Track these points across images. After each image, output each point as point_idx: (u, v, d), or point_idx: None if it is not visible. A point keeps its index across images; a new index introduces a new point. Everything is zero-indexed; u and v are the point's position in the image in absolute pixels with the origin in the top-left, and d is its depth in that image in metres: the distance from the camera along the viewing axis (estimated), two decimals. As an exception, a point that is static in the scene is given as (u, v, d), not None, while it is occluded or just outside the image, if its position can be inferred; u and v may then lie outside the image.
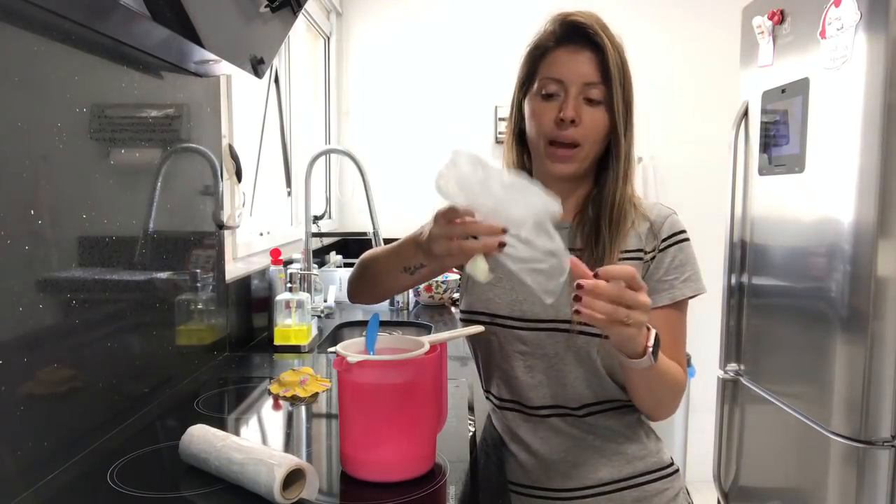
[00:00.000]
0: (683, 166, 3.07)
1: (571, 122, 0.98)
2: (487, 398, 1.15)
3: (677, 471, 1.09)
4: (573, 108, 0.98)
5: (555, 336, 1.02)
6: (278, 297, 1.73)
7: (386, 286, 1.08)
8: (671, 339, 0.98)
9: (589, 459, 1.04)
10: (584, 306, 0.78)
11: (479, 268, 0.82)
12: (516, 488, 1.08)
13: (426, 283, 2.38)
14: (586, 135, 0.99)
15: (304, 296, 1.74)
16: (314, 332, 1.81)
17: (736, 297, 2.07)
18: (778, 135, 1.85)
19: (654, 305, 0.98)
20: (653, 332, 0.85)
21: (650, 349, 0.84)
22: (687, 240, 1.04)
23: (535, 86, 1.02)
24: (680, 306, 1.02)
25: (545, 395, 1.05)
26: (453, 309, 2.34)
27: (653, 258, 1.02)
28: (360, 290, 1.12)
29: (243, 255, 1.86)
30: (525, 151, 1.10)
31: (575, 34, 1.00)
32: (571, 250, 1.02)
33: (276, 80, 2.32)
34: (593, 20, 1.00)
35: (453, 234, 0.83)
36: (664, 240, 1.02)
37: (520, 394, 1.06)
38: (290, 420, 1.20)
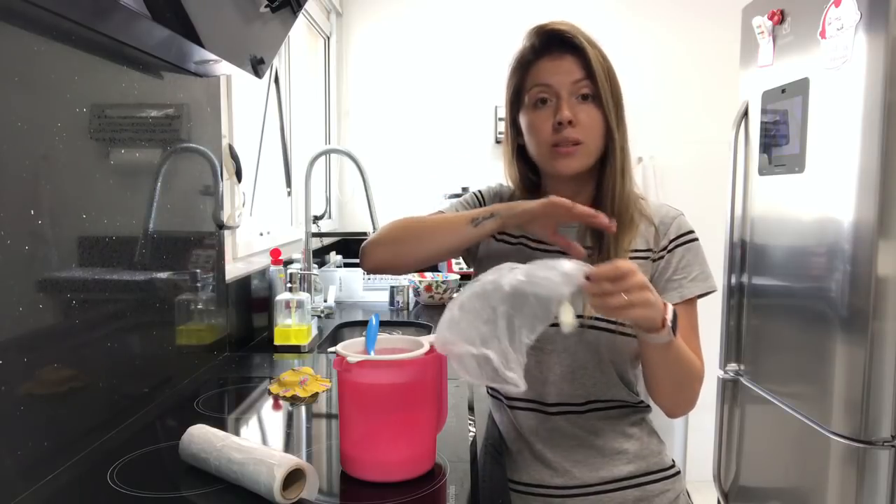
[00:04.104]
0: (683, 166, 3.07)
1: (569, 124, 1.00)
2: (491, 394, 1.16)
3: (679, 473, 1.10)
4: (568, 108, 1.00)
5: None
6: (278, 297, 1.73)
7: (438, 243, 1.02)
8: (685, 334, 1.00)
9: (591, 458, 1.05)
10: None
11: (567, 321, 0.83)
12: (517, 487, 1.08)
13: (426, 283, 2.39)
14: (586, 132, 1.01)
15: (304, 296, 1.74)
16: (314, 332, 1.81)
17: (736, 297, 2.07)
18: (778, 135, 1.85)
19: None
20: (670, 307, 0.88)
21: (668, 322, 0.87)
22: (695, 240, 1.06)
23: (527, 98, 1.04)
24: (690, 304, 1.04)
25: (555, 392, 1.06)
26: (453, 309, 2.33)
27: (661, 258, 1.05)
28: (395, 249, 1.04)
29: (243, 255, 1.86)
30: (528, 166, 1.12)
31: (554, 42, 1.02)
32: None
33: (276, 80, 2.32)
34: (569, 26, 1.02)
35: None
36: (672, 240, 1.05)
37: (531, 390, 1.07)
38: (290, 420, 1.20)
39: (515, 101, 1.08)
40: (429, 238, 1.02)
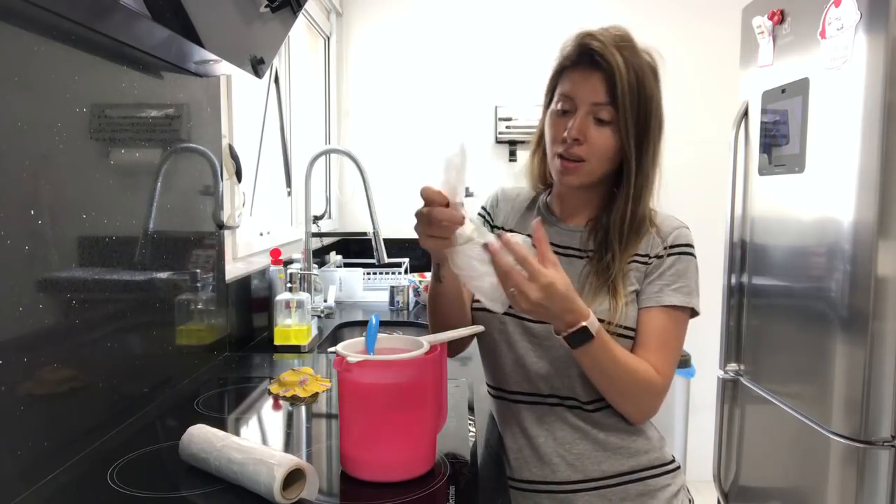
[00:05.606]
0: (683, 166, 3.05)
1: (575, 141, 1.01)
2: (492, 393, 1.16)
3: (679, 468, 1.11)
4: (577, 127, 1.00)
5: None
6: (278, 297, 1.73)
7: (443, 308, 1.10)
8: (656, 341, 1.02)
9: (592, 452, 1.06)
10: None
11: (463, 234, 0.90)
12: (518, 485, 1.09)
13: (426, 283, 2.38)
14: (592, 152, 1.02)
15: (304, 296, 1.74)
16: (314, 332, 1.81)
17: (736, 297, 2.07)
18: (778, 135, 1.85)
19: (641, 306, 1.04)
20: (580, 325, 0.90)
21: (566, 333, 0.91)
22: (690, 254, 1.06)
23: (552, 103, 1.06)
24: (667, 313, 1.03)
25: (553, 385, 1.07)
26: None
27: (652, 263, 1.06)
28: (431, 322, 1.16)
29: (243, 255, 1.85)
30: (545, 162, 1.14)
31: (587, 56, 1.01)
32: (583, 251, 1.09)
33: (276, 80, 2.32)
34: (609, 40, 0.99)
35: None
36: (667, 248, 1.06)
37: (530, 383, 1.08)
38: (290, 420, 1.20)
39: (549, 100, 1.09)
40: (433, 310, 1.11)
